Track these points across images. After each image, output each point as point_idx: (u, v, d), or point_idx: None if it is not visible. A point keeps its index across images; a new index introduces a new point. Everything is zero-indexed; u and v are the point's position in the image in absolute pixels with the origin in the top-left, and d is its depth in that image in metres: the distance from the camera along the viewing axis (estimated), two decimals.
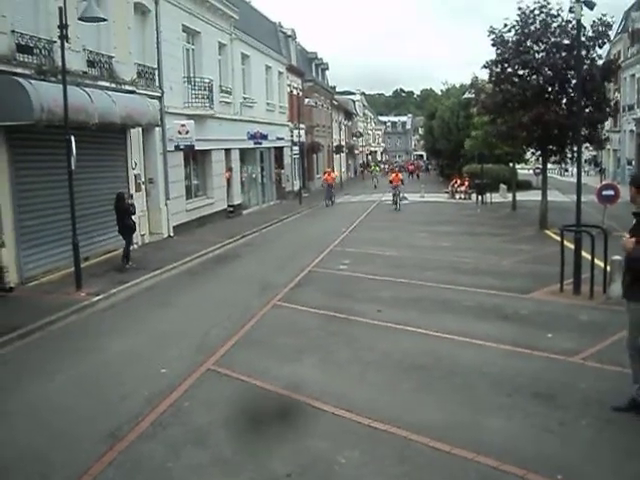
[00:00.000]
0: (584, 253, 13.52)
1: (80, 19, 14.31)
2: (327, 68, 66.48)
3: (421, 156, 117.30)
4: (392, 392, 8.27)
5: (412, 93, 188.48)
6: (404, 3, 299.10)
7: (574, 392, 7.98)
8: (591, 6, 13.98)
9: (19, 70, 14.90)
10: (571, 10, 14.44)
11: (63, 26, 13.92)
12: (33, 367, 9.74)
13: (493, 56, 24.14)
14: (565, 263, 13.42)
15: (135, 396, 8.24)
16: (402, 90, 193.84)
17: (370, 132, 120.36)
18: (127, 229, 17.33)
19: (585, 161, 55.36)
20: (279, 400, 8.06)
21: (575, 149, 23.18)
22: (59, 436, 7.20)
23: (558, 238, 14.84)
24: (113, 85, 19.19)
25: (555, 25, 22.73)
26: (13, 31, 14.96)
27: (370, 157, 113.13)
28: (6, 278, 14.69)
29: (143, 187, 22.09)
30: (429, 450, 6.57)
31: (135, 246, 20.67)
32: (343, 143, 72.34)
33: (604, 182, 28.43)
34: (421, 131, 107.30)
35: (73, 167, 14.37)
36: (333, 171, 46.70)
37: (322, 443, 6.81)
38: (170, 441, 6.94)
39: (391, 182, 36.87)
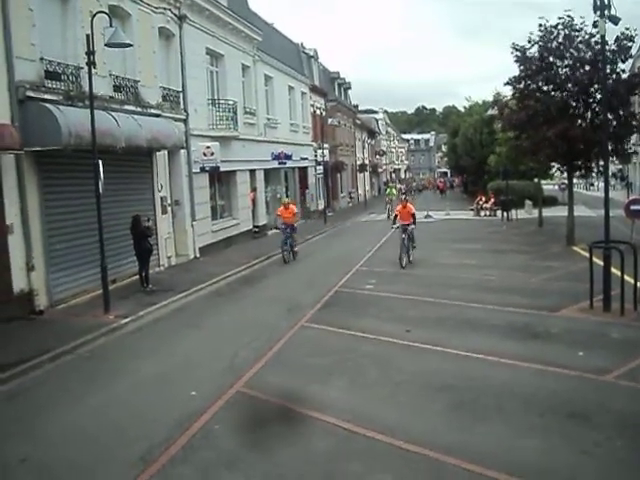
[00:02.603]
0: (613, 269, 13.37)
1: (107, 45, 14.50)
2: (349, 87, 66.73)
3: (445, 173, 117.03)
4: (423, 413, 8.21)
5: (434, 110, 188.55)
6: (422, 21, 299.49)
7: (608, 412, 7.87)
8: (616, 21, 13.88)
9: (48, 96, 15.13)
10: (595, 25, 14.32)
11: (90, 52, 14.12)
12: (64, 390, 9.83)
13: (515, 72, 24.13)
14: (594, 280, 13.28)
15: (165, 419, 8.25)
16: (424, 107, 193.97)
17: (393, 150, 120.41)
18: (144, 252, 17.41)
19: (611, 175, 54.87)
20: (310, 422, 8.02)
21: (601, 163, 23.07)
22: (91, 459, 7.22)
23: (586, 254, 14.67)
24: (139, 109, 19.39)
25: (578, 40, 22.64)
26: (42, 58, 15.24)
27: (394, 175, 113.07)
28: (36, 301, 14.84)
29: (169, 209, 22.24)
30: (462, 472, 6.52)
31: (161, 268, 20.84)
32: (367, 162, 72.43)
33: (632, 197, 28.16)
34: (444, 148, 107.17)
35: (101, 191, 14.53)
36: (293, 203, 27.94)
37: (354, 466, 6.76)
38: (201, 465, 6.93)
39: (397, 217, 21.94)
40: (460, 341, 11.33)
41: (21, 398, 9.64)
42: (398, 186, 75.69)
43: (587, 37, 22.42)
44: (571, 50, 22.63)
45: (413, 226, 21.25)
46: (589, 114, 23.32)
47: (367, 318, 13.55)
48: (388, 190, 50.29)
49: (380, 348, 11.30)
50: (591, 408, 8.02)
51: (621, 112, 22.56)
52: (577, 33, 22.67)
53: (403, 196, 23.72)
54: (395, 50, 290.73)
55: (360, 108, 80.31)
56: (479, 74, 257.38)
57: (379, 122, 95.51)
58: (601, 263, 13.44)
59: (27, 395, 9.76)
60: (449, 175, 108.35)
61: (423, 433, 7.47)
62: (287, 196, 39.07)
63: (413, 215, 21.51)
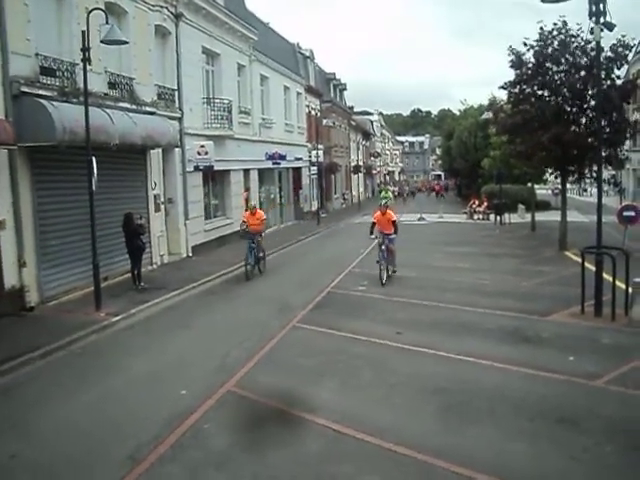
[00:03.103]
0: (605, 275, 13.40)
1: (102, 42, 14.45)
2: (345, 88, 66.74)
3: (439, 176, 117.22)
4: (414, 416, 8.22)
5: (430, 113, 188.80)
6: (418, 23, 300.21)
7: (598, 417, 7.89)
8: (611, 28, 13.94)
9: (42, 92, 15.08)
10: (591, 32, 14.36)
11: (86, 49, 14.08)
12: (54, 387, 9.80)
13: (510, 76, 24.19)
14: (586, 285, 13.33)
15: (155, 417, 8.23)
16: (420, 110, 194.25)
17: (388, 152, 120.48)
18: (136, 250, 17.37)
19: (604, 181, 55.04)
20: (301, 423, 8.01)
21: (595, 168, 23.14)
22: (80, 456, 7.21)
23: (578, 259, 14.71)
24: (134, 106, 19.35)
25: (574, 46, 22.69)
26: (37, 54, 15.18)
27: (388, 177, 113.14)
28: (27, 297, 14.79)
29: (162, 207, 22.20)
30: (452, 475, 6.53)
31: (154, 266, 20.81)
32: (361, 163, 72.39)
33: (625, 203, 28.25)
34: (439, 151, 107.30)
35: (94, 188, 14.49)
36: (260, 208, 23.38)
37: (345, 468, 6.76)
38: (190, 464, 6.92)
39: (374, 225, 19.15)
40: (452, 344, 11.34)
41: (11, 394, 9.60)
42: (391, 189, 73.40)
43: (583, 43, 22.48)
44: (567, 55, 22.68)
45: (394, 236, 18.77)
46: (583, 119, 23.40)
47: (359, 320, 13.54)
48: (383, 193, 46.25)
49: (372, 350, 11.30)
50: (581, 413, 8.04)
51: (614, 119, 22.64)
52: (573, 39, 22.73)
53: (383, 201, 19.79)
54: (391, 52, 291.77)
55: (355, 110, 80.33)
56: (475, 77, 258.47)
57: (374, 124, 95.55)
58: (593, 268, 13.47)
59: (17, 391, 9.72)
60: (443, 178, 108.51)
61: (414, 435, 7.47)
62: (280, 196, 39.19)
63: (394, 223, 18.79)
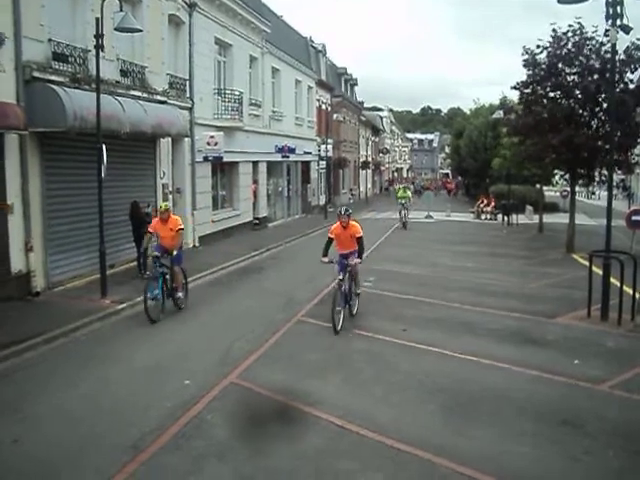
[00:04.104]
0: (612, 279, 13.35)
1: (116, 29, 14.44)
2: (356, 84, 66.57)
3: (447, 174, 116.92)
4: (416, 413, 8.19)
5: (440, 111, 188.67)
6: (429, 22, 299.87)
7: (601, 421, 7.86)
8: (627, 31, 13.82)
9: (54, 78, 15.07)
10: (606, 34, 14.26)
11: (99, 36, 14.07)
12: (58, 373, 9.81)
13: (521, 76, 24.07)
14: (592, 289, 13.27)
15: (158, 407, 8.23)
16: (429, 108, 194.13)
17: (397, 149, 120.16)
18: (142, 238, 17.36)
19: (613, 185, 54.73)
20: (302, 417, 8.01)
21: (604, 172, 23.06)
22: (82, 443, 7.22)
23: (585, 262, 14.70)
24: (145, 95, 19.33)
25: (588, 48, 22.56)
26: (50, 39, 15.17)
27: (396, 174, 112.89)
28: (33, 283, 14.80)
29: (170, 197, 22.18)
30: (453, 474, 6.51)
31: None
32: (370, 159, 72.33)
33: (634, 207, 28.14)
34: (447, 149, 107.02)
35: (103, 175, 14.49)
36: (169, 217, 14.00)
37: (346, 463, 6.75)
38: (192, 454, 6.92)
39: (330, 242, 13.34)
40: (456, 343, 11.32)
41: (15, 379, 9.62)
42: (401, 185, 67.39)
43: (597, 46, 22.34)
44: (580, 58, 22.56)
45: (358, 260, 12.93)
46: (595, 122, 23.29)
47: (364, 315, 13.51)
48: (400, 192, 37.88)
49: (376, 346, 11.29)
50: (584, 416, 8.01)
51: (626, 123, 22.51)
52: (587, 41, 22.59)
53: (343, 209, 13.10)
54: (402, 49, 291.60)
55: (365, 105, 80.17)
56: (484, 77, 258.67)
57: (384, 120, 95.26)
58: (600, 272, 13.42)
59: (21, 376, 9.73)
60: (450, 176, 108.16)
61: (416, 433, 7.46)
62: (289, 189, 39.04)
63: (359, 241, 12.97)
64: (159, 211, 14.19)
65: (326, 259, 13.03)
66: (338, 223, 13.17)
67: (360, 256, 12.99)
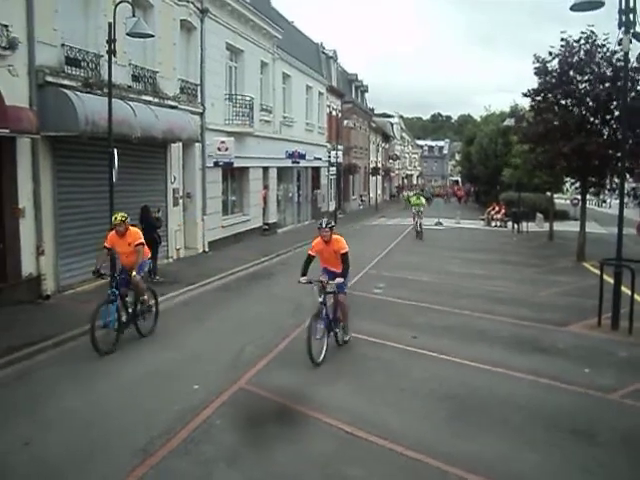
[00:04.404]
0: (623, 288, 13.27)
1: (128, 34, 14.50)
2: (366, 90, 66.68)
3: (457, 181, 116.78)
4: (427, 421, 8.15)
5: (450, 118, 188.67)
6: (440, 29, 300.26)
7: (613, 431, 7.80)
8: None
9: (66, 82, 15.16)
10: (619, 43, 14.21)
11: (111, 41, 14.14)
12: (67, 376, 9.81)
13: (532, 84, 24.00)
14: (603, 297, 13.19)
15: (167, 411, 8.23)
16: (440, 115, 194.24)
17: (407, 155, 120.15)
18: (152, 243, 17.40)
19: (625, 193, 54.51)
20: (312, 423, 7.99)
21: (616, 180, 22.95)
22: (92, 446, 7.23)
23: (596, 271, 14.62)
24: (156, 100, 19.40)
25: (599, 56, 22.49)
26: (63, 44, 15.26)
27: (406, 180, 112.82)
28: (43, 286, 14.87)
29: (181, 202, 22.24)
30: None
31: (170, 260, 20.85)
32: (380, 165, 72.30)
33: None
34: (458, 156, 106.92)
35: (114, 179, 14.53)
36: (127, 229, 11.99)
37: (355, 470, 6.73)
38: (201, 459, 6.92)
39: (311, 260, 11.56)
40: (467, 351, 11.28)
41: (25, 381, 9.65)
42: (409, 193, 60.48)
43: (609, 54, 22.27)
44: (592, 65, 22.48)
45: (341, 280, 10.79)
46: (606, 130, 23.18)
47: (374, 322, 13.49)
48: (414, 199, 35.96)
49: (387, 353, 11.25)
50: (596, 426, 7.95)
51: (638, 130, 22.40)
52: (599, 49, 22.51)
53: (324, 221, 11.34)
54: (413, 56, 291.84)
55: (376, 111, 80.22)
56: (494, 84, 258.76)
57: (394, 126, 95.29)
58: (611, 280, 13.35)
59: (31, 379, 9.76)
60: (460, 183, 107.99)
61: (426, 441, 7.42)
62: (299, 195, 39.05)
63: (344, 259, 11.17)
64: (113, 223, 11.94)
65: (304, 279, 10.99)
66: (320, 238, 11.34)
67: (345, 274, 11.02)
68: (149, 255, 12.86)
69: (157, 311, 12.85)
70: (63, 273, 15.64)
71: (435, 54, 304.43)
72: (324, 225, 11.25)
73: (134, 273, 11.65)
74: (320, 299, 10.70)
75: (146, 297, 12.30)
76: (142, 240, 12.04)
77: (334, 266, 11.31)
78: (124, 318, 11.70)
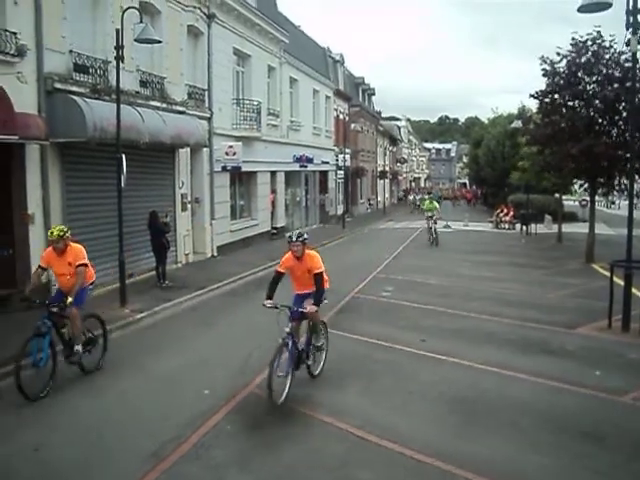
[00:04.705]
0: (634, 289, 13.22)
1: (136, 40, 14.57)
2: (373, 93, 66.74)
3: (464, 184, 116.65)
4: (436, 424, 8.13)
5: (457, 120, 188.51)
6: (445, 31, 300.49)
7: (625, 433, 7.76)
8: None
9: (75, 89, 15.25)
10: (627, 44, 14.18)
11: (119, 47, 14.19)
12: (78, 382, 9.85)
13: (539, 85, 23.95)
14: (613, 299, 13.14)
15: (177, 417, 8.24)
16: (447, 117, 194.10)
17: (414, 158, 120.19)
18: (160, 248, 17.51)
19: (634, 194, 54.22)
20: (322, 427, 7.99)
21: (625, 181, 22.85)
22: (102, 451, 7.26)
23: (605, 272, 14.58)
24: (164, 105, 19.47)
25: (607, 57, 22.42)
26: (71, 51, 15.35)
27: (414, 183, 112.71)
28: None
29: (189, 206, 22.29)
30: None
31: (179, 265, 20.90)
32: (387, 168, 72.31)
33: None
34: (465, 159, 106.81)
35: (123, 185, 14.58)
36: (66, 246, 9.96)
37: (365, 474, 6.72)
38: (212, 464, 6.93)
39: (279, 277, 9.98)
40: (476, 353, 11.25)
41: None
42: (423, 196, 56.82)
43: (616, 55, 22.19)
44: (600, 67, 22.41)
45: (314, 308, 9.41)
46: (614, 131, 23.10)
47: (383, 325, 13.49)
48: (427, 204, 33.40)
49: (396, 356, 11.24)
50: (607, 429, 7.91)
51: None
52: (606, 50, 22.43)
53: (295, 233, 9.68)
54: (419, 59, 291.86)
55: (383, 115, 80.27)
56: (501, 86, 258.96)
57: (401, 130, 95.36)
58: (621, 282, 13.30)
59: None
60: (468, 186, 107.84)
61: (435, 444, 7.40)
62: (306, 199, 39.13)
63: (317, 279, 9.64)
64: (49, 238, 9.99)
65: (269, 303, 9.42)
66: (290, 254, 9.69)
67: (317, 301, 9.46)
68: (92, 280, 10.47)
69: (106, 341, 10.93)
70: None
71: (440, 56, 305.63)
72: (294, 238, 9.48)
73: (69, 300, 9.47)
74: (287, 329, 9.23)
75: (82, 337, 10.15)
76: (85, 261, 10.01)
77: (307, 287, 9.73)
78: (60, 354, 9.83)
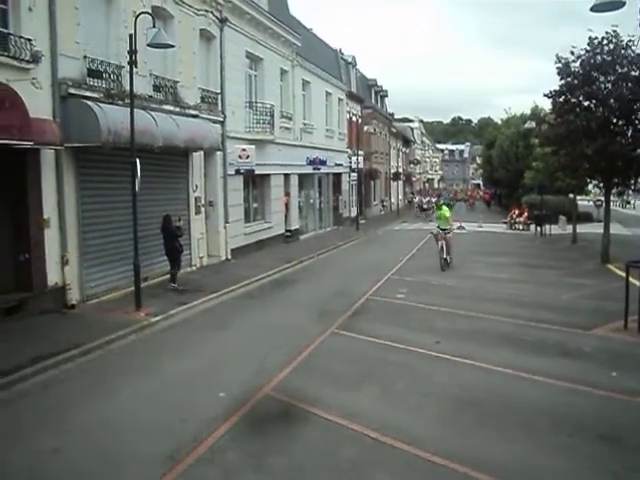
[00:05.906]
0: None
1: (149, 45, 14.62)
2: (386, 95, 66.62)
3: (478, 185, 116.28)
4: (451, 426, 8.12)
5: (470, 121, 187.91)
6: (457, 31, 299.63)
7: None
8: None
9: (89, 94, 15.32)
10: None
11: (132, 52, 14.27)
12: (94, 385, 9.92)
13: (551, 83, 23.91)
14: (629, 300, 13.06)
15: (193, 419, 8.27)
16: (460, 118, 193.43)
17: (427, 160, 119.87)
18: (174, 251, 17.57)
19: None
20: (337, 430, 7.99)
21: None
22: (119, 454, 7.30)
23: (621, 273, 14.49)
24: (177, 109, 19.53)
25: (623, 56, 22.27)
26: (85, 56, 15.45)
27: (427, 184, 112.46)
28: (69, 295, 15.01)
29: (203, 210, 22.35)
30: None
31: (193, 268, 20.95)
32: (401, 170, 72.19)
33: None
34: (479, 160, 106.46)
35: (137, 189, 14.64)
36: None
37: (380, 476, 6.73)
38: (228, 466, 6.95)
39: None
40: (491, 355, 11.21)
41: (53, 390, 9.75)
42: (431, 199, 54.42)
43: (633, 55, 22.03)
44: (615, 66, 22.27)
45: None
46: (630, 131, 22.96)
47: (397, 327, 13.47)
48: (439, 212, 24.09)
49: (410, 358, 11.22)
50: (624, 430, 7.86)
51: None
52: (623, 51, 22.27)
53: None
54: (431, 59, 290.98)
55: (396, 116, 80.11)
56: (514, 86, 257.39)
57: (414, 131, 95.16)
58: (637, 283, 13.22)
59: (58, 388, 9.87)
60: (481, 187, 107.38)
61: (451, 446, 7.38)
62: (320, 202, 39.18)
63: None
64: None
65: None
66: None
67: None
68: None
69: None
70: (88, 282, 15.78)
71: (452, 57, 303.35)
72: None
73: None
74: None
75: None
76: None
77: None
78: None
